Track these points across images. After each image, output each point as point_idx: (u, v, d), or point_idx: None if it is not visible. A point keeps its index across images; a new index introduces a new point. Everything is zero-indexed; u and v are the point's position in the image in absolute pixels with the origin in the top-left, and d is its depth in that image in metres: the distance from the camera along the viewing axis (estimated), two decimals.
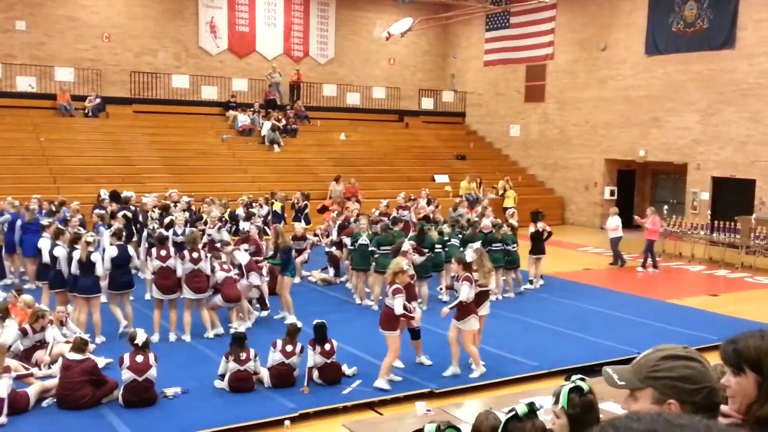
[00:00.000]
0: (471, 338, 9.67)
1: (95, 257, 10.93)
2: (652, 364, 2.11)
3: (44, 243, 11.96)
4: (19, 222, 14.67)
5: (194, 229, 12.90)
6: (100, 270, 11.00)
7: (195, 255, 11.27)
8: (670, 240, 20.59)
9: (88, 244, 10.90)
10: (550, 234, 15.93)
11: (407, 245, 11.98)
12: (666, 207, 21.73)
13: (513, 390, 9.36)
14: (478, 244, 10.61)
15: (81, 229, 13.26)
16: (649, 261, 18.37)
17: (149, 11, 26.98)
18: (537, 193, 27.69)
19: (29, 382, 8.77)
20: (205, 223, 15.11)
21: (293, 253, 13.15)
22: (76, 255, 10.80)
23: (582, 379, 3.43)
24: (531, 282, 15.83)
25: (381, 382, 9.25)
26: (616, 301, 14.73)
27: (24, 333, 9.68)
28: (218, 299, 11.54)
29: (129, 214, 14.97)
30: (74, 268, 10.82)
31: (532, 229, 15.85)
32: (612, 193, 26.42)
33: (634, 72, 25.06)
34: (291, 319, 11.58)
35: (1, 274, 14.61)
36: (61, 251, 11.19)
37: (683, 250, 20.36)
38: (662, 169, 26.05)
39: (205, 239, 13.64)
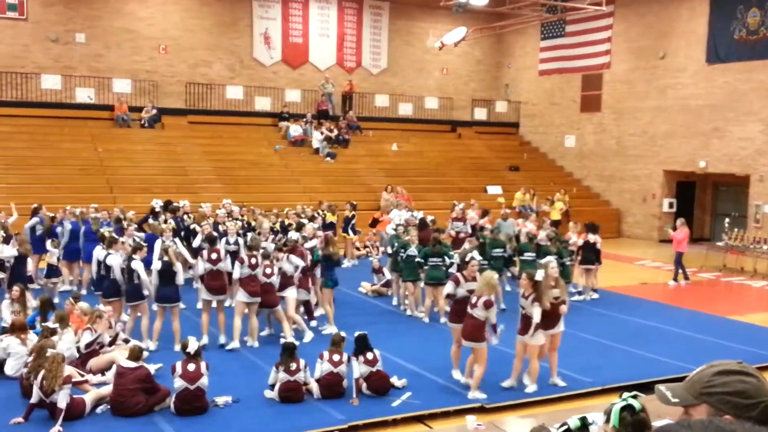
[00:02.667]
0: (536, 353, 9.53)
1: (177, 267, 11.12)
2: (707, 380, 2.08)
3: (100, 252, 12.13)
4: (83, 229, 14.99)
5: (255, 235, 12.92)
6: (180, 279, 11.16)
7: (253, 261, 11.35)
8: (732, 254, 19.99)
9: (165, 252, 11.11)
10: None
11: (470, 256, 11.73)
12: (727, 220, 21.11)
13: (566, 406, 9.14)
14: (552, 260, 10.23)
15: (137, 238, 13.47)
16: (680, 273, 17.95)
17: (204, 23, 27.41)
18: (593, 205, 27.21)
19: (85, 388, 8.89)
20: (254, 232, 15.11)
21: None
22: (158, 265, 10.96)
23: (634, 397, 3.31)
24: (580, 293, 15.58)
25: (476, 394, 9.26)
26: (674, 317, 14.32)
27: (91, 334, 9.91)
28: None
29: (173, 225, 15.05)
30: (154, 279, 10.97)
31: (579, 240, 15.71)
32: (671, 205, 25.80)
33: (694, 81, 24.48)
34: (331, 329, 11.53)
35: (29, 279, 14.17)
36: (115, 260, 11.33)
37: (745, 264, 19.74)
38: (723, 180, 25.36)
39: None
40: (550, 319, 9.43)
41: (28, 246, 13.32)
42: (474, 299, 9.39)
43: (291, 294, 11.80)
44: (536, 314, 9.29)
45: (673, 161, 25.41)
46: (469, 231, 17.26)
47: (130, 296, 11.22)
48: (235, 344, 11.17)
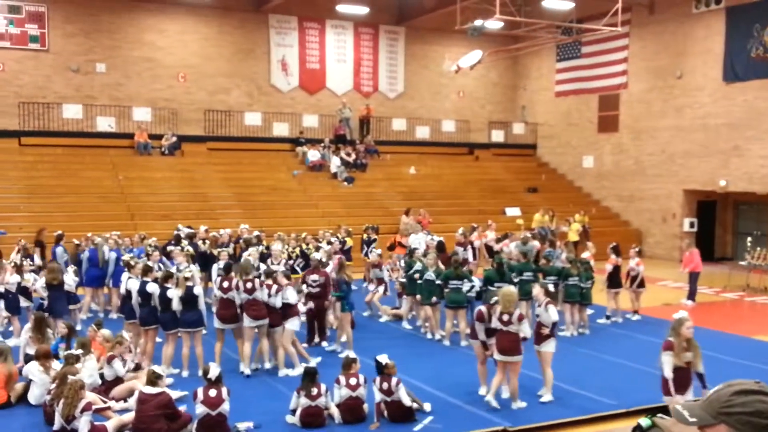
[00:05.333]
0: (549, 360, 9.87)
1: (197, 291, 11.16)
2: (725, 400, 2.05)
3: (124, 278, 12.21)
4: (114, 255, 15.24)
5: (247, 258, 12.94)
6: (202, 304, 11.19)
7: (249, 285, 11.25)
8: (755, 273, 19.76)
9: (186, 279, 11.16)
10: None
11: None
12: (749, 239, 20.89)
13: (589, 429, 9.11)
14: (686, 316, 8.94)
15: (161, 264, 13.59)
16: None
17: (223, 51, 27.73)
18: (612, 226, 27.05)
19: (107, 415, 8.89)
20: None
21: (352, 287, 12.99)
22: (178, 292, 11.01)
23: (654, 416, 3.24)
24: (607, 317, 15.48)
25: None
26: (697, 337, 13.99)
27: (120, 361, 9.95)
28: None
29: (191, 251, 15.13)
30: (176, 305, 10.99)
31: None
32: (692, 224, 25.59)
33: (712, 99, 24.39)
34: (350, 354, 11.36)
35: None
36: (154, 287, 11.31)
37: None
38: (744, 199, 25.15)
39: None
40: (682, 383, 8.62)
41: (54, 275, 13.32)
42: (506, 316, 9.45)
43: (292, 326, 11.41)
44: (553, 314, 9.79)
45: (693, 180, 25.26)
46: (470, 258, 17.28)
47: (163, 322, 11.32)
48: (246, 370, 11.14)
